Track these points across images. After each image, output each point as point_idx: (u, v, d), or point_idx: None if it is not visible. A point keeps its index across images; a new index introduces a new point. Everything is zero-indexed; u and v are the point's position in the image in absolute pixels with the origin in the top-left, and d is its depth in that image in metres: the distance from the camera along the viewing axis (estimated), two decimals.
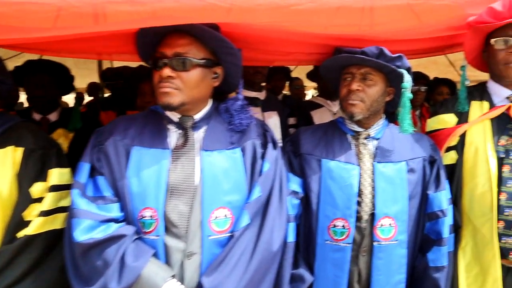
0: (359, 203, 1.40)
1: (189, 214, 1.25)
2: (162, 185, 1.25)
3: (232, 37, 1.34)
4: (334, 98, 2.58)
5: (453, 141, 1.56)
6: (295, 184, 1.46)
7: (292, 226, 1.42)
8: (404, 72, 1.42)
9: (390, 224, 1.39)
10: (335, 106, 2.67)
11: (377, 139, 1.49)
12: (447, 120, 1.61)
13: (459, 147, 1.55)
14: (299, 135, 1.55)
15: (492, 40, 1.49)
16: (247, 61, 1.48)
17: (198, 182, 1.27)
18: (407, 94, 1.42)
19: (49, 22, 1.08)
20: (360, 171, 1.42)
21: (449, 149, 1.57)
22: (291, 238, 1.41)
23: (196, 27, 1.24)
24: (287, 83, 4.28)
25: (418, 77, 2.98)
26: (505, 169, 1.45)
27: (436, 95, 3.45)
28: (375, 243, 1.37)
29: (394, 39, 1.53)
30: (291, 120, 2.61)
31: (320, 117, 2.58)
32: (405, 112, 1.43)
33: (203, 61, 1.27)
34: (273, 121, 2.37)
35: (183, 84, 1.25)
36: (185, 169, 1.28)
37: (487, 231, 1.45)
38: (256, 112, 2.36)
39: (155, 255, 1.21)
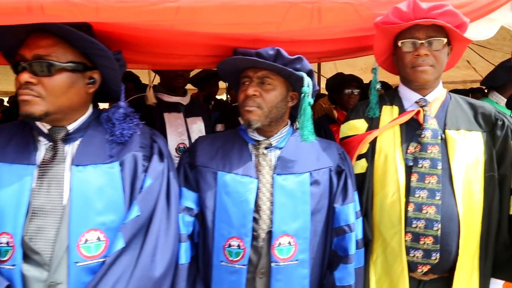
0: (256, 220, 1.28)
1: (54, 238, 1.09)
2: (21, 206, 1.09)
3: (110, 38, 1.20)
4: None
5: (364, 148, 1.47)
6: (189, 200, 1.33)
7: (184, 247, 1.28)
8: (304, 75, 1.32)
9: (289, 243, 1.27)
10: None
11: (280, 148, 1.38)
12: (358, 126, 1.52)
13: (369, 155, 1.46)
14: (196, 145, 1.41)
15: (399, 42, 1.41)
16: (137, 64, 1.34)
17: (67, 201, 1.12)
18: (307, 99, 1.32)
19: None
20: (258, 185, 1.31)
21: (360, 157, 1.48)
22: (184, 259, 1.28)
23: (61, 27, 1.09)
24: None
25: (351, 80, 2.93)
26: (414, 178, 1.37)
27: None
28: (273, 264, 1.25)
29: (299, 40, 1.44)
30: (219, 127, 2.48)
31: None
32: (306, 119, 1.32)
33: (70, 64, 1.13)
34: (197, 127, 2.24)
35: (46, 91, 1.10)
36: (52, 187, 1.12)
37: (396, 244, 1.36)
38: (178, 117, 2.23)
39: None
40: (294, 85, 1.36)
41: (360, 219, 1.41)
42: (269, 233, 1.27)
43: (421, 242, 1.33)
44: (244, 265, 1.25)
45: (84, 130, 1.21)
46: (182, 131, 2.22)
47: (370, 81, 1.60)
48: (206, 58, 1.41)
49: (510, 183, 1.42)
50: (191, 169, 1.37)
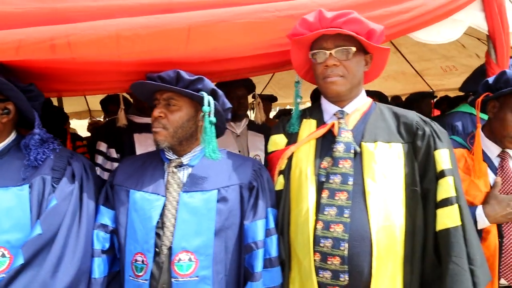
0: (160, 237, 1.31)
1: None
2: None
3: (26, 70, 1.33)
4: (239, 118, 2.52)
5: (283, 164, 1.45)
6: (105, 217, 1.40)
7: (98, 261, 1.35)
8: (204, 95, 1.35)
9: (189, 259, 1.29)
10: (239, 128, 2.61)
11: (192, 166, 1.41)
12: (278, 141, 1.50)
13: (286, 171, 1.43)
14: (119, 165, 1.49)
15: (310, 54, 1.39)
16: (57, 92, 1.47)
17: None
18: (208, 119, 1.34)
19: None
20: (165, 202, 1.34)
21: (280, 173, 1.46)
22: (97, 274, 1.34)
23: None
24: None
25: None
26: (324, 194, 1.32)
27: None
28: (173, 280, 1.28)
29: (214, 59, 1.48)
30: None
31: (222, 140, 2.51)
32: (207, 137, 1.34)
33: None
34: None
35: None
36: None
37: (307, 263, 1.31)
38: (148, 138, 2.33)
39: None
40: (201, 104, 1.39)
41: (275, 237, 1.38)
42: (170, 249, 1.30)
43: (329, 262, 1.27)
44: (147, 280, 1.29)
45: (2, 156, 1.33)
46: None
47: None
48: (124, 82, 1.48)
49: (435, 197, 1.31)
50: (111, 188, 1.44)
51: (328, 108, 1.44)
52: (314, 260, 1.29)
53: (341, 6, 1.54)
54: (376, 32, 1.34)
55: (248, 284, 1.32)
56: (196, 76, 1.35)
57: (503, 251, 1.53)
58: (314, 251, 1.29)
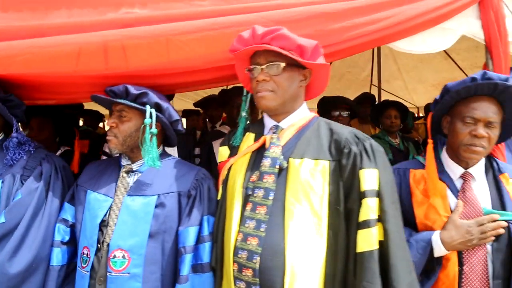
0: (103, 234, 1.47)
1: None
2: None
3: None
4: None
5: (223, 175, 1.52)
6: (67, 213, 1.59)
7: (56, 251, 1.55)
8: (147, 108, 1.47)
9: (123, 257, 1.42)
10: None
11: (142, 172, 1.55)
12: (223, 153, 1.57)
13: (225, 182, 1.50)
14: (86, 167, 1.68)
15: (246, 69, 1.44)
16: (37, 100, 1.70)
17: None
18: (148, 130, 1.46)
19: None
20: (112, 203, 1.49)
21: (223, 183, 1.53)
22: (55, 262, 1.54)
23: None
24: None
25: (340, 102, 2.83)
26: (248, 207, 1.36)
27: (385, 119, 3.22)
28: (108, 274, 1.42)
29: (170, 73, 1.59)
30: (197, 150, 2.69)
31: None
32: (147, 147, 1.46)
33: None
34: (170, 151, 2.49)
35: None
36: None
37: (229, 272, 1.36)
38: None
39: None
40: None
41: (208, 244, 1.46)
42: (108, 246, 1.44)
43: (243, 274, 1.31)
44: (88, 271, 1.45)
45: None
46: None
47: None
48: (88, 93, 1.66)
49: (358, 217, 1.29)
50: (76, 187, 1.64)
51: (267, 122, 1.48)
52: (233, 270, 1.35)
53: (284, 20, 1.58)
54: (306, 47, 1.34)
55: (176, 285, 1.42)
56: (142, 91, 1.48)
57: (463, 280, 1.43)
58: (233, 261, 1.34)
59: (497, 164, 1.56)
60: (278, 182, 1.35)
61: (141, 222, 1.45)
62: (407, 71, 5.78)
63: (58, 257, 1.55)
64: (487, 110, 1.45)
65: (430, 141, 1.57)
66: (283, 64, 1.35)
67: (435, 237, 1.44)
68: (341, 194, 1.31)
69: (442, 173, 1.55)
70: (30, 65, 1.46)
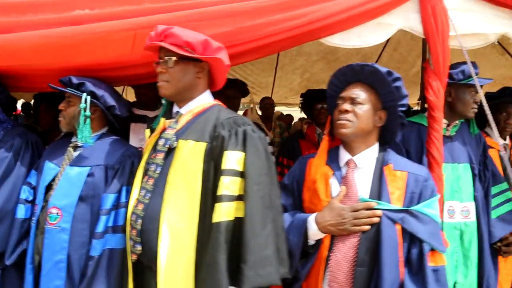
0: (49, 195, 1.83)
1: None
2: None
3: None
4: None
5: (143, 154, 1.78)
6: (32, 178, 1.96)
7: (21, 207, 1.92)
8: (83, 95, 1.80)
9: (57, 213, 1.77)
10: None
11: (85, 147, 1.88)
12: (146, 135, 1.81)
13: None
14: (52, 143, 2.07)
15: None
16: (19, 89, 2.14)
17: None
18: (83, 113, 1.79)
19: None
20: (57, 172, 1.86)
21: None
22: (19, 215, 1.90)
23: None
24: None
25: (322, 95, 2.87)
26: (144, 179, 1.61)
27: None
28: (45, 226, 1.78)
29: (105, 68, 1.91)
30: None
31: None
32: (80, 126, 1.79)
33: None
34: None
35: None
36: None
37: (127, 233, 1.63)
38: (142, 127, 2.89)
39: None
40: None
41: (123, 210, 1.74)
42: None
43: (132, 233, 1.57)
44: (35, 223, 1.82)
45: None
46: (143, 138, 2.88)
47: None
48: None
49: (217, 191, 1.45)
50: (41, 158, 2.04)
51: (174, 109, 1.71)
52: (128, 230, 1.62)
53: (204, 18, 1.78)
54: (193, 43, 1.54)
55: (92, 240, 1.74)
56: (80, 81, 1.81)
57: (329, 265, 1.53)
58: (129, 223, 1.61)
59: (388, 155, 1.60)
60: (167, 159, 1.57)
61: (74, 187, 1.79)
62: None
63: (21, 211, 1.93)
64: (352, 90, 1.60)
65: (326, 131, 1.67)
66: (174, 58, 1.56)
67: (311, 218, 1.55)
68: (212, 172, 1.49)
69: (333, 161, 1.64)
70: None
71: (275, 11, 1.83)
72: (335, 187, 1.59)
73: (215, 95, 3.10)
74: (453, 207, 2.05)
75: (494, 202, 2.25)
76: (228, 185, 1.43)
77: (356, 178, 1.57)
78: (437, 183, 1.93)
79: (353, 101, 1.58)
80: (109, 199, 1.75)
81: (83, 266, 1.74)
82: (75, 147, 1.90)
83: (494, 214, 2.23)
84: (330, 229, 1.51)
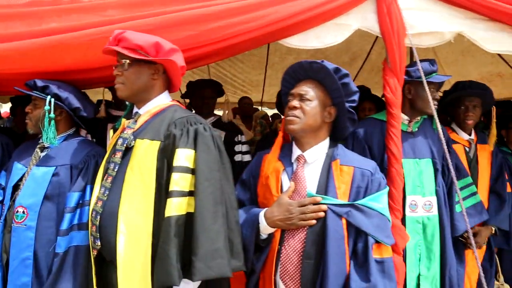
0: (16, 194, 1.89)
1: None
2: None
3: None
4: (204, 116, 3.00)
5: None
6: (2, 179, 2.03)
7: None
8: (47, 97, 1.85)
9: (23, 212, 1.83)
10: None
11: (51, 148, 1.94)
12: (110, 135, 1.88)
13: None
14: (22, 144, 2.13)
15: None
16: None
17: None
18: (47, 115, 1.85)
19: None
20: (25, 172, 1.92)
21: None
22: None
23: None
24: None
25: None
26: (105, 177, 1.67)
27: (360, 112, 3.21)
28: (12, 224, 1.84)
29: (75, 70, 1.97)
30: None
31: None
32: (45, 128, 1.85)
33: None
34: None
35: None
36: None
37: (89, 229, 1.69)
38: None
39: None
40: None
41: (87, 207, 1.78)
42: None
43: (92, 230, 1.63)
44: (2, 222, 1.88)
45: None
46: None
47: None
48: None
49: (169, 188, 1.50)
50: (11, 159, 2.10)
51: (134, 109, 1.77)
52: (89, 226, 1.67)
53: (165, 25, 1.84)
54: (143, 46, 1.59)
55: (57, 237, 1.79)
56: (44, 84, 1.87)
57: (281, 258, 1.58)
58: (90, 220, 1.67)
59: (337, 150, 1.65)
60: (125, 158, 1.63)
61: (40, 186, 1.84)
62: (448, 65, 5.45)
63: None
64: (302, 87, 1.65)
65: (281, 128, 1.72)
66: (128, 61, 1.62)
67: (262, 213, 1.60)
68: (165, 170, 1.55)
69: (285, 156, 1.69)
70: None
71: (234, 14, 1.89)
72: (286, 183, 1.64)
73: (192, 95, 3.21)
74: (415, 202, 2.09)
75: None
76: (178, 181, 1.49)
77: (305, 173, 1.63)
78: (396, 178, 1.99)
79: (301, 98, 1.63)
80: (73, 198, 1.81)
81: (50, 263, 1.80)
82: (42, 148, 1.96)
83: (458, 208, 2.27)
84: (279, 224, 1.56)
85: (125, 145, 1.65)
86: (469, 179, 2.33)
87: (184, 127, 1.57)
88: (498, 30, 2.06)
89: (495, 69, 4.89)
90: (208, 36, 1.90)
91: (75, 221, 1.81)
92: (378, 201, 1.57)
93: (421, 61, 2.10)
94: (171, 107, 1.71)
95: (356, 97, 1.68)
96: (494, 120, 2.49)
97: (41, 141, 1.97)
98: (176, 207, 1.47)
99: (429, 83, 2.07)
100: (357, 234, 1.54)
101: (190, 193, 1.50)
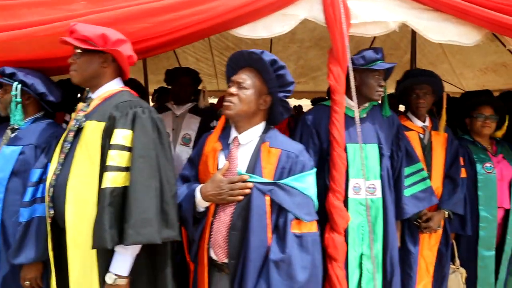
0: None
1: None
2: None
3: None
4: (182, 102, 3.17)
5: None
6: None
7: None
8: (13, 83, 2.04)
9: None
10: (179, 110, 3.20)
11: (20, 130, 2.14)
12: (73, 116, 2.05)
13: None
14: None
15: None
16: None
17: None
18: (14, 99, 2.04)
19: None
20: None
21: None
22: None
23: None
24: None
25: None
26: (61, 156, 1.85)
27: None
28: None
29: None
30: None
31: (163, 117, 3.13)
32: (12, 111, 2.04)
33: None
34: None
35: None
36: None
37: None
38: None
39: None
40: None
41: (42, 184, 1.99)
42: None
43: (48, 200, 1.81)
44: None
45: None
46: None
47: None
48: None
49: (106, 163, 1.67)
50: None
51: (89, 94, 1.94)
52: (46, 197, 1.86)
53: (120, 17, 1.99)
54: (90, 37, 1.75)
55: (20, 209, 1.99)
56: (12, 71, 2.06)
57: (212, 230, 1.74)
58: (47, 192, 1.85)
59: (269, 134, 1.77)
60: (76, 137, 1.80)
61: (8, 163, 2.05)
62: (453, 54, 5.41)
63: None
64: (240, 75, 1.77)
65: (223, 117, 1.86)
66: (79, 51, 1.79)
67: (198, 188, 1.75)
68: (107, 148, 1.70)
69: (225, 137, 1.83)
70: None
71: (184, 6, 2.02)
72: (222, 161, 1.78)
73: (171, 83, 3.36)
74: (358, 184, 2.20)
75: (408, 181, 2.39)
76: (114, 157, 1.65)
77: (239, 154, 1.76)
78: (337, 161, 2.10)
79: (239, 85, 1.75)
80: (35, 174, 2.00)
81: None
82: (13, 129, 2.16)
83: (408, 192, 2.37)
84: (211, 199, 1.71)
85: (77, 126, 1.82)
86: (419, 165, 2.41)
87: (125, 109, 1.72)
88: (441, 20, 2.13)
89: (499, 59, 4.80)
90: (161, 28, 2.04)
91: (38, 195, 2.00)
92: (301, 181, 1.69)
93: (368, 49, 2.19)
94: (120, 93, 1.87)
95: (291, 87, 1.79)
96: (444, 106, 2.54)
97: (11, 123, 2.17)
98: (111, 180, 1.63)
99: (373, 70, 2.15)
100: (279, 210, 1.67)
101: (127, 169, 1.67)
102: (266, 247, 1.65)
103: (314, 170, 1.78)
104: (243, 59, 1.81)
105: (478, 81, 5.87)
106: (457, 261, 2.72)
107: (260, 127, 1.81)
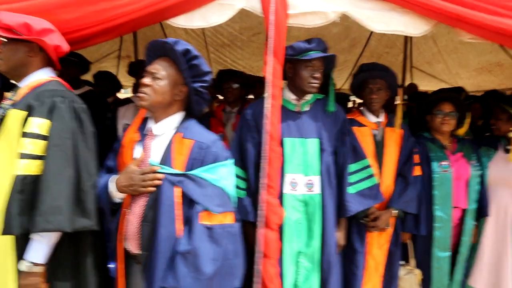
0: None
1: None
2: None
3: None
4: None
5: None
6: None
7: None
8: None
9: None
10: None
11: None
12: None
13: None
14: None
15: None
16: None
17: None
18: None
19: None
20: None
21: None
22: None
23: None
24: None
25: (230, 75, 3.05)
26: None
27: None
28: None
29: None
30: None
31: (123, 112, 3.14)
32: None
33: None
34: None
35: None
36: None
37: None
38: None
39: None
40: None
41: None
42: None
43: None
44: None
45: None
46: None
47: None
48: None
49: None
50: None
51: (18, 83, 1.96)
52: None
53: (57, 5, 1.99)
54: (13, 26, 1.75)
55: None
56: None
57: (126, 221, 1.74)
58: None
59: (184, 125, 1.75)
60: (1, 125, 1.82)
61: None
62: (448, 53, 5.28)
63: None
64: (155, 65, 1.75)
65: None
66: (4, 40, 1.80)
67: (111, 179, 1.74)
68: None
69: (143, 128, 1.82)
70: None
71: None
72: (138, 152, 1.77)
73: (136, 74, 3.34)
74: (295, 180, 2.15)
75: (354, 178, 2.32)
76: (27, 145, 1.66)
77: (154, 145, 1.75)
78: (271, 156, 2.06)
79: (153, 76, 1.73)
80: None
81: None
82: None
83: (352, 189, 2.30)
84: (125, 190, 1.70)
85: (2, 114, 1.84)
86: (366, 161, 2.34)
87: (43, 99, 1.73)
88: (386, 9, 2.05)
89: (494, 58, 4.66)
90: (96, 18, 2.03)
91: None
92: (212, 173, 1.67)
93: (302, 41, 2.13)
94: (48, 82, 1.88)
95: (207, 77, 1.76)
96: (400, 102, 2.46)
97: None
98: (23, 167, 1.65)
99: (305, 61, 2.09)
100: (190, 202, 1.65)
101: (41, 157, 1.68)
102: (175, 239, 1.63)
103: (230, 161, 1.75)
104: (159, 49, 1.79)
105: (474, 81, 5.70)
106: (412, 262, 2.64)
107: (176, 117, 1.79)
